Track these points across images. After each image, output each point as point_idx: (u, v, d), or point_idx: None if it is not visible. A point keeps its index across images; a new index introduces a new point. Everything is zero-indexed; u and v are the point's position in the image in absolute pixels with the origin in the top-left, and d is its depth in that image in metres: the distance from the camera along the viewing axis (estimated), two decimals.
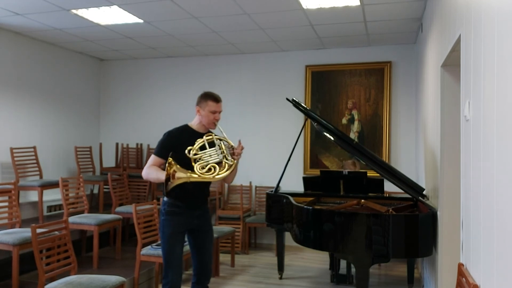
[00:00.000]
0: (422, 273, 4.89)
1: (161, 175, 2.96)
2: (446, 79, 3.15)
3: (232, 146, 3.10)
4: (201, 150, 2.99)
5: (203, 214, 3.23)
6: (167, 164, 2.83)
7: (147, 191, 6.43)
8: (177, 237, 3.12)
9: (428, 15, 4.24)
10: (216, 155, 3.00)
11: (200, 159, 2.96)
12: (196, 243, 3.22)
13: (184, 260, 4.16)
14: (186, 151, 2.94)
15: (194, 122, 3.22)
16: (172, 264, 3.10)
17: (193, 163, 2.93)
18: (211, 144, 3.04)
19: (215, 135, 3.09)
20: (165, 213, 3.11)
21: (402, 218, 3.52)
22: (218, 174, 2.95)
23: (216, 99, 3.16)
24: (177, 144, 3.04)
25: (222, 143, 3.05)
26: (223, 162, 3.00)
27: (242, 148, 3.11)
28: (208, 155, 2.98)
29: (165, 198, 3.11)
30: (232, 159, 3.04)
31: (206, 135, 3.06)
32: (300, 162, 6.39)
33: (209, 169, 2.94)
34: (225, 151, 3.02)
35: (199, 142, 3.00)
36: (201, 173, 2.91)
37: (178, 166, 2.87)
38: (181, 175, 2.87)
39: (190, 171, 2.91)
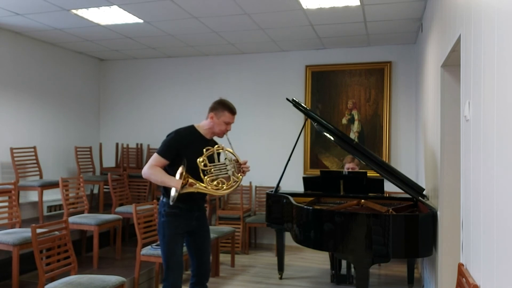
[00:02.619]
0: (422, 273, 4.89)
1: (166, 179, 2.95)
2: (446, 79, 3.15)
3: (239, 162, 3.11)
4: (209, 161, 2.99)
5: (202, 215, 3.24)
6: (184, 174, 2.84)
7: (147, 191, 6.43)
8: (178, 239, 3.10)
9: (428, 15, 4.24)
10: (226, 170, 3.01)
11: (209, 171, 2.96)
12: (195, 244, 3.21)
13: (183, 261, 4.16)
14: (198, 161, 2.93)
15: (203, 126, 3.19)
16: (173, 266, 3.08)
17: (201, 174, 2.94)
18: (219, 155, 3.06)
19: (224, 147, 3.10)
20: (165, 215, 3.08)
21: (402, 218, 3.52)
22: (224, 190, 2.99)
23: (233, 111, 3.17)
24: (182, 146, 3.04)
25: (231, 157, 3.07)
26: (231, 177, 3.02)
27: (249, 167, 3.14)
28: (218, 169, 3.00)
29: (164, 199, 3.09)
30: (239, 176, 3.06)
31: (216, 146, 3.06)
32: (300, 162, 6.38)
33: (217, 183, 2.96)
34: (234, 168, 3.04)
35: (209, 151, 2.99)
36: (210, 187, 2.93)
37: (193, 179, 2.89)
38: (193, 186, 2.91)
39: (198, 182, 2.92)
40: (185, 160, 2.90)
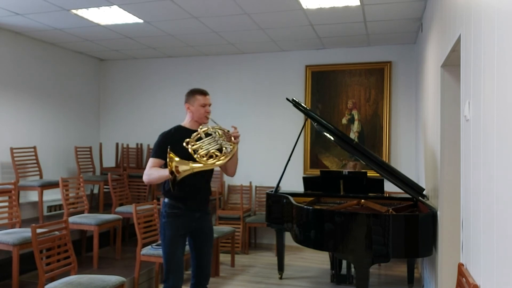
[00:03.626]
0: (422, 273, 4.89)
1: (163, 172, 2.95)
2: (446, 79, 3.15)
3: (227, 131, 3.09)
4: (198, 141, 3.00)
5: (204, 216, 3.21)
6: (168, 159, 2.82)
7: (147, 191, 6.43)
8: (178, 240, 3.09)
9: (428, 15, 4.24)
10: (215, 142, 3.00)
11: (200, 148, 2.95)
12: (196, 245, 3.20)
13: (184, 261, 4.16)
14: (184, 143, 2.93)
15: (186, 121, 3.21)
16: (173, 268, 3.07)
17: (193, 154, 2.92)
18: (207, 135, 3.05)
19: (209, 126, 3.10)
20: (166, 216, 3.08)
21: (402, 218, 3.52)
22: (219, 160, 2.96)
23: (203, 92, 3.18)
24: (173, 143, 3.02)
25: (218, 131, 3.06)
26: (223, 148, 3.00)
27: (238, 132, 3.10)
28: (207, 143, 2.99)
29: (166, 200, 3.10)
30: (231, 144, 3.04)
31: (200, 127, 3.06)
32: (300, 162, 6.38)
33: (211, 157, 2.95)
34: (222, 137, 3.04)
35: (195, 134, 3.01)
36: (204, 162, 2.91)
37: (179, 159, 2.86)
38: (184, 168, 2.86)
39: (192, 161, 2.90)
40: (169, 147, 2.89)
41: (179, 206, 3.07)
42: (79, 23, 5.24)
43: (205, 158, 2.93)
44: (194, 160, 2.91)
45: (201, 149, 2.95)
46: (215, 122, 3.11)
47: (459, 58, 2.42)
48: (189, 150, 2.92)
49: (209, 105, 3.18)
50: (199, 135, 3.02)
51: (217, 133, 3.05)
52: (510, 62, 1.41)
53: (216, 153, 2.98)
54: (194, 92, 3.17)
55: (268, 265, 5.54)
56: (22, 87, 5.93)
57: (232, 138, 3.07)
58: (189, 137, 3.01)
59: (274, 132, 6.57)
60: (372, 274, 5.10)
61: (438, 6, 3.45)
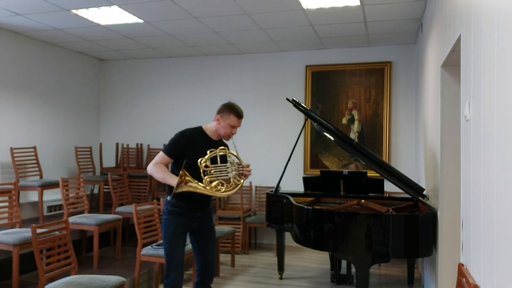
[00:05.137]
0: (422, 273, 4.89)
1: (169, 178, 2.98)
2: (446, 79, 3.15)
3: (242, 165, 3.10)
4: (212, 162, 3.00)
5: (205, 215, 3.25)
6: (181, 173, 2.85)
7: (147, 191, 6.43)
8: (179, 237, 3.14)
9: (428, 15, 4.24)
10: (227, 172, 3.01)
11: (210, 172, 2.97)
12: (198, 244, 3.25)
13: (185, 260, 4.16)
14: (198, 161, 2.95)
15: (209, 127, 3.22)
16: (174, 264, 3.12)
17: (202, 175, 2.95)
18: (223, 157, 3.04)
19: (228, 150, 3.11)
20: (167, 213, 3.13)
21: (402, 218, 3.52)
22: (224, 192, 2.98)
23: (239, 114, 3.19)
24: (187, 146, 3.07)
25: (233, 159, 3.06)
26: (232, 180, 3.01)
27: (250, 171, 3.12)
28: (219, 171, 3.00)
29: (168, 198, 3.13)
30: (239, 179, 3.05)
31: (220, 148, 3.05)
32: (300, 162, 6.38)
33: (217, 185, 2.96)
34: (235, 170, 3.03)
35: (212, 153, 3.01)
36: (209, 187, 2.94)
37: (191, 177, 2.90)
38: (193, 185, 2.92)
39: (198, 182, 2.93)
40: (185, 160, 2.92)
41: (180, 204, 3.11)
42: (79, 23, 5.24)
43: (212, 185, 2.95)
44: (199, 174, 2.95)
45: (211, 174, 2.97)
46: (234, 146, 3.11)
47: (459, 58, 2.42)
48: (200, 168, 2.94)
49: (238, 127, 3.20)
50: (215, 155, 3.01)
51: (233, 163, 3.04)
52: (510, 62, 1.41)
53: (223, 182, 2.99)
54: (231, 111, 3.17)
55: (268, 265, 5.54)
56: (22, 87, 5.93)
57: (243, 172, 3.08)
58: (206, 145, 3.05)
59: (274, 132, 6.57)
60: (372, 274, 5.10)
61: (438, 6, 3.45)
